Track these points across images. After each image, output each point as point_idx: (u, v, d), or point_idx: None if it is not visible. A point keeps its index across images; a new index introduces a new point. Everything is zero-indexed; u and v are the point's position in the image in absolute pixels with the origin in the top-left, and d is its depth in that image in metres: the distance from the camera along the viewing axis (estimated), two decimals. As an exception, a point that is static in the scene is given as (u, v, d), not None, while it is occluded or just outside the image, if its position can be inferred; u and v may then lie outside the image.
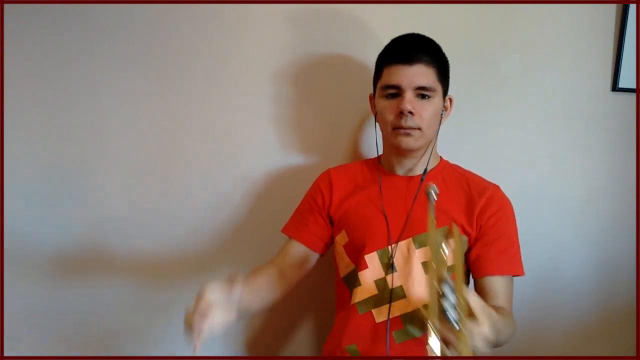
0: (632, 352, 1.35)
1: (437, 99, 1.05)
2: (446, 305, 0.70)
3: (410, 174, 1.11)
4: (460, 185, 1.10)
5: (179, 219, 1.34)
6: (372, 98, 1.13)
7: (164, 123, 1.31)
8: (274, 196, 1.33)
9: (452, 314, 0.70)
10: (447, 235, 0.94)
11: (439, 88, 1.05)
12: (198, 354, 0.84)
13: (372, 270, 1.07)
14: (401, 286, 1.05)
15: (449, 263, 1.03)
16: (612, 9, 1.27)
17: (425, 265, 1.05)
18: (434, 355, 0.71)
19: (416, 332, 1.05)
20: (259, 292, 1.06)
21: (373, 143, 1.17)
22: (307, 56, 1.29)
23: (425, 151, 1.10)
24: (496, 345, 0.84)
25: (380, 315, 1.06)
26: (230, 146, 1.33)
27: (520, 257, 1.09)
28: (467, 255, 1.08)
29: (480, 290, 1.04)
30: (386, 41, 1.09)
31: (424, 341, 1.04)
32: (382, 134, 1.11)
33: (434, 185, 0.85)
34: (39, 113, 1.30)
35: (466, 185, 1.10)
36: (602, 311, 1.37)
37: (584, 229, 1.35)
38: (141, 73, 1.29)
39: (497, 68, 1.30)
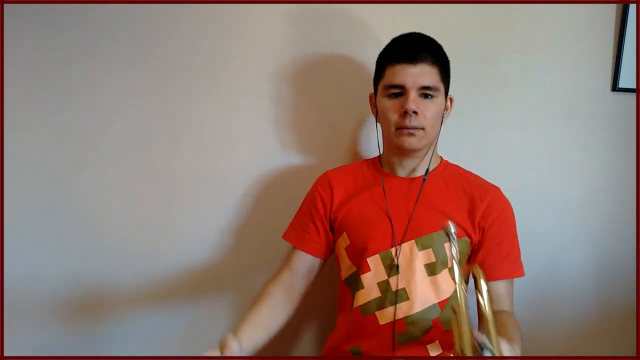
0: (632, 352, 1.35)
1: (440, 98, 1.05)
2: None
3: (412, 175, 1.11)
4: (461, 186, 1.10)
5: (178, 219, 1.34)
6: (372, 98, 1.13)
7: (163, 123, 1.31)
8: (274, 196, 1.33)
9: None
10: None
11: (441, 88, 1.05)
12: None
13: (374, 273, 1.06)
14: (404, 288, 1.05)
15: (451, 264, 1.04)
16: (612, 9, 1.27)
17: (427, 267, 1.05)
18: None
19: (419, 335, 1.05)
20: (271, 323, 1.08)
21: (372, 143, 1.17)
22: (307, 56, 1.29)
23: (427, 151, 1.10)
24: None
25: (383, 317, 1.06)
26: (230, 146, 1.33)
27: (520, 258, 1.10)
28: (470, 259, 1.09)
29: None
30: (386, 41, 1.08)
31: (425, 343, 1.05)
32: (384, 134, 1.11)
33: (451, 223, 0.77)
34: (39, 113, 1.30)
35: (467, 187, 1.10)
36: (602, 311, 1.37)
37: (584, 229, 1.35)
38: (141, 73, 1.29)
39: (497, 68, 1.30)
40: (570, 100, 1.31)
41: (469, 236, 1.06)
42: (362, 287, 1.07)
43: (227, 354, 0.92)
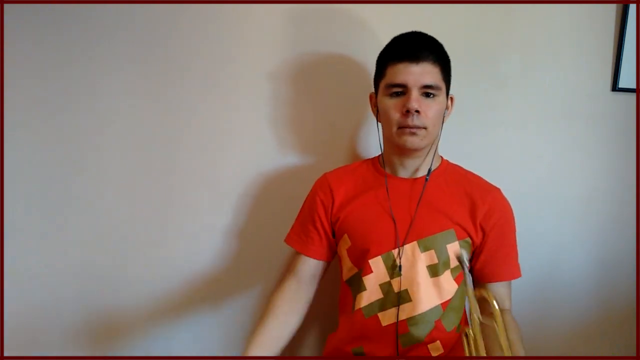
0: (632, 352, 1.35)
1: (441, 97, 1.04)
2: None
3: (414, 176, 1.10)
4: (462, 186, 1.10)
5: (177, 219, 1.34)
6: (373, 97, 1.12)
7: (163, 123, 1.31)
8: (274, 196, 1.33)
9: None
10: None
11: (443, 86, 1.04)
12: None
13: (376, 275, 1.06)
14: (407, 290, 1.05)
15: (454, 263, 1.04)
16: (612, 9, 1.27)
17: (430, 268, 1.05)
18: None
19: (421, 336, 1.05)
20: (280, 344, 1.07)
21: (372, 143, 1.17)
22: (307, 56, 1.29)
23: (429, 151, 1.09)
24: None
25: (385, 318, 1.06)
26: (229, 146, 1.32)
27: (518, 259, 1.11)
28: (471, 260, 1.09)
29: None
30: (386, 41, 1.08)
31: (427, 343, 1.05)
32: (384, 133, 1.10)
33: (464, 251, 0.83)
34: (39, 113, 1.30)
35: (468, 187, 1.09)
36: (602, 311, 1.37)
37: (584, 229, 1.35)
38: (141, 73, 1.29)
39: (497, 68, 1.30)
40: (570, 100, 1.31)
41: (470, 237, 1.06)
42: (364, 289, 1.07)
43: None
